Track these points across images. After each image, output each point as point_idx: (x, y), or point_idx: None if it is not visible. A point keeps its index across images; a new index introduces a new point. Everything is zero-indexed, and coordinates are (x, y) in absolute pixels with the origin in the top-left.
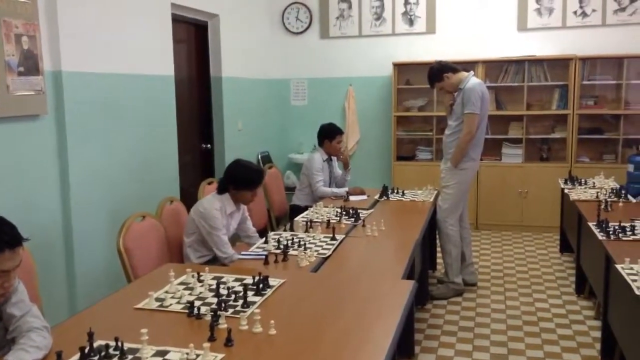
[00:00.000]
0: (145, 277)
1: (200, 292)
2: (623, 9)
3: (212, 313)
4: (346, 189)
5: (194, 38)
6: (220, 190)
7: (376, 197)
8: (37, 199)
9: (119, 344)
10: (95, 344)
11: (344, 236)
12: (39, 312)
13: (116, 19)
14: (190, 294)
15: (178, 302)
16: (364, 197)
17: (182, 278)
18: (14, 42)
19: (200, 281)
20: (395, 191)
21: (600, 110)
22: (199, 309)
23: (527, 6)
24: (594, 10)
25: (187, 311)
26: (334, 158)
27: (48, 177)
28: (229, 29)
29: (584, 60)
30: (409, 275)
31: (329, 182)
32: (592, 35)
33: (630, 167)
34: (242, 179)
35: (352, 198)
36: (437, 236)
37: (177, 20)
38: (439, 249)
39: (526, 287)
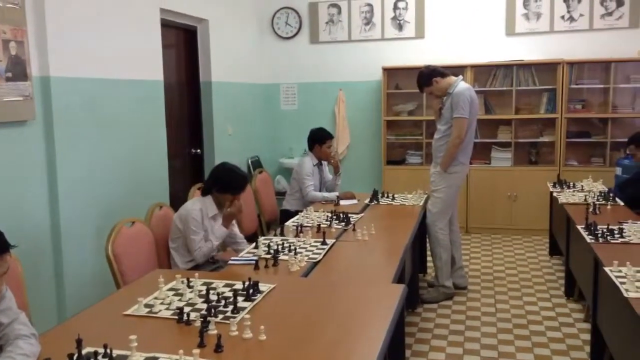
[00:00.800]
0: (134, 283)
1: (190, 298)
2: (610, 14)
3: (201, 319)
4: (337, 193)
5: (183, 43)
6: (204, 192)
7: (366, 201)
8: (25, 205)
9: (108, 350)
10: (83, 351)
11: (334, 241)
12: (27, 320)
13: (105, 24)
14: (179, 300)
15: (167, 308)
16: (355, 201)
17: (172, 284)
18: (2, 47)
19: (189, 287)
20: (386, 195)
21: (588, 114)
22: (188, 315)
23: (515, 11)
24: (581, 15)
25: (176, 317)
26: (325, 162)
27: (36, 183)
28: (219, 34)
29: (572, 64)
30: (399, 279)
31: (319, 186)
32: (580, 39)
33: (618, 170)
34: (225, 182)
35: (342, 202)
36: (427, 240)
37: (166, 25)
38: (429, 252)
39: (516, 290)
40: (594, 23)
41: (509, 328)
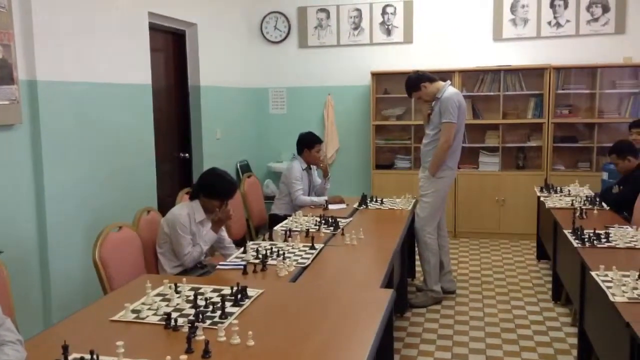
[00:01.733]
0: (121, 289)
1: (178, 304)
2: (596, 20)
3: (189, 324)
4: (325, 197)
5: (171, 47)
6: (192, 197)
7: (355, 205)
8: (11, 210)
9: (95, 356)
10: (70, 357)
11: (323, 245)
12: (13, 325)
13: (92, 27)
14: (167, 306)
15: (155, 314)
16: (343, 205)
17: (159, 289)
18: None
19: (177, 292)
20: (374, 200)
21: (575, 119)
22: (176, 320)
23: (503, 17)
24: (567, 21)
25: (164, 323)
26: (314, 167)
27: (23, 187)
28: (207, 37)
29: (559, 69)
30: (387, 284)
31: (308, 191)
32: (566, 45)
33: (605, 175)
34: (214, 188)
35: (331, 207)
36: (416, 244)
37: (154, 28)
38: (417, 257)
39: (504, 295)
40: (580, 29)
41: (497, 332)
